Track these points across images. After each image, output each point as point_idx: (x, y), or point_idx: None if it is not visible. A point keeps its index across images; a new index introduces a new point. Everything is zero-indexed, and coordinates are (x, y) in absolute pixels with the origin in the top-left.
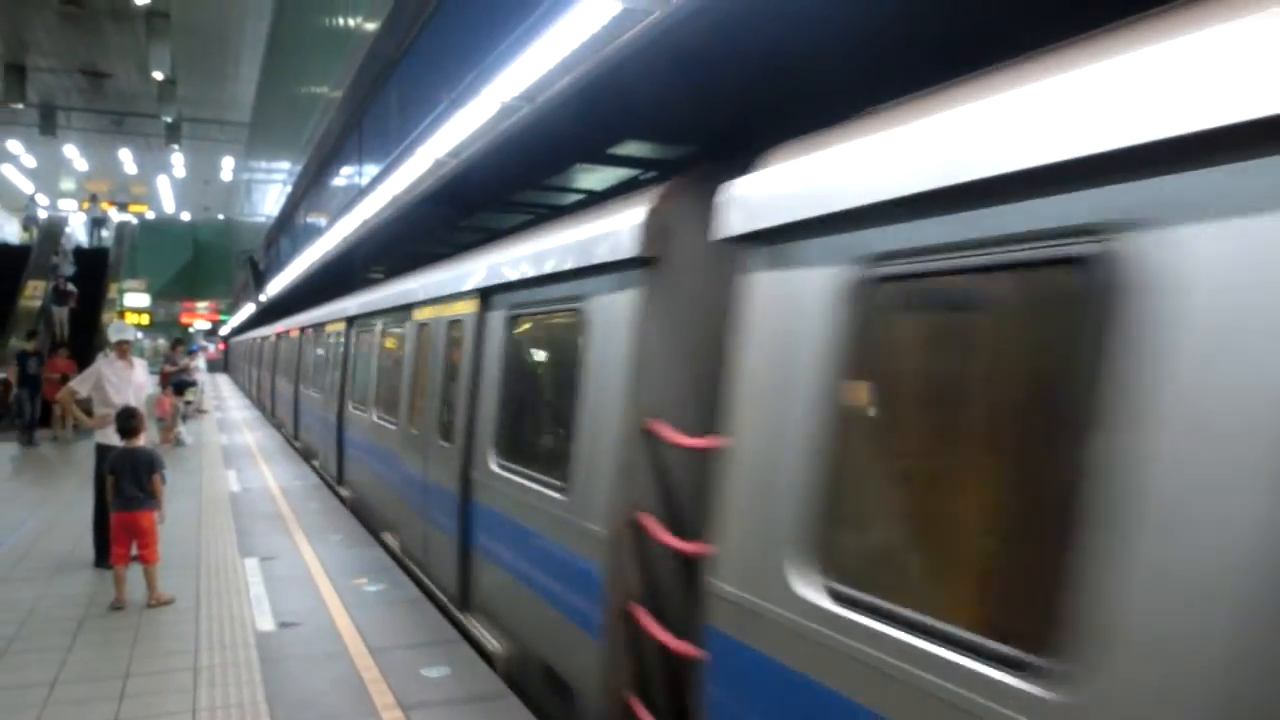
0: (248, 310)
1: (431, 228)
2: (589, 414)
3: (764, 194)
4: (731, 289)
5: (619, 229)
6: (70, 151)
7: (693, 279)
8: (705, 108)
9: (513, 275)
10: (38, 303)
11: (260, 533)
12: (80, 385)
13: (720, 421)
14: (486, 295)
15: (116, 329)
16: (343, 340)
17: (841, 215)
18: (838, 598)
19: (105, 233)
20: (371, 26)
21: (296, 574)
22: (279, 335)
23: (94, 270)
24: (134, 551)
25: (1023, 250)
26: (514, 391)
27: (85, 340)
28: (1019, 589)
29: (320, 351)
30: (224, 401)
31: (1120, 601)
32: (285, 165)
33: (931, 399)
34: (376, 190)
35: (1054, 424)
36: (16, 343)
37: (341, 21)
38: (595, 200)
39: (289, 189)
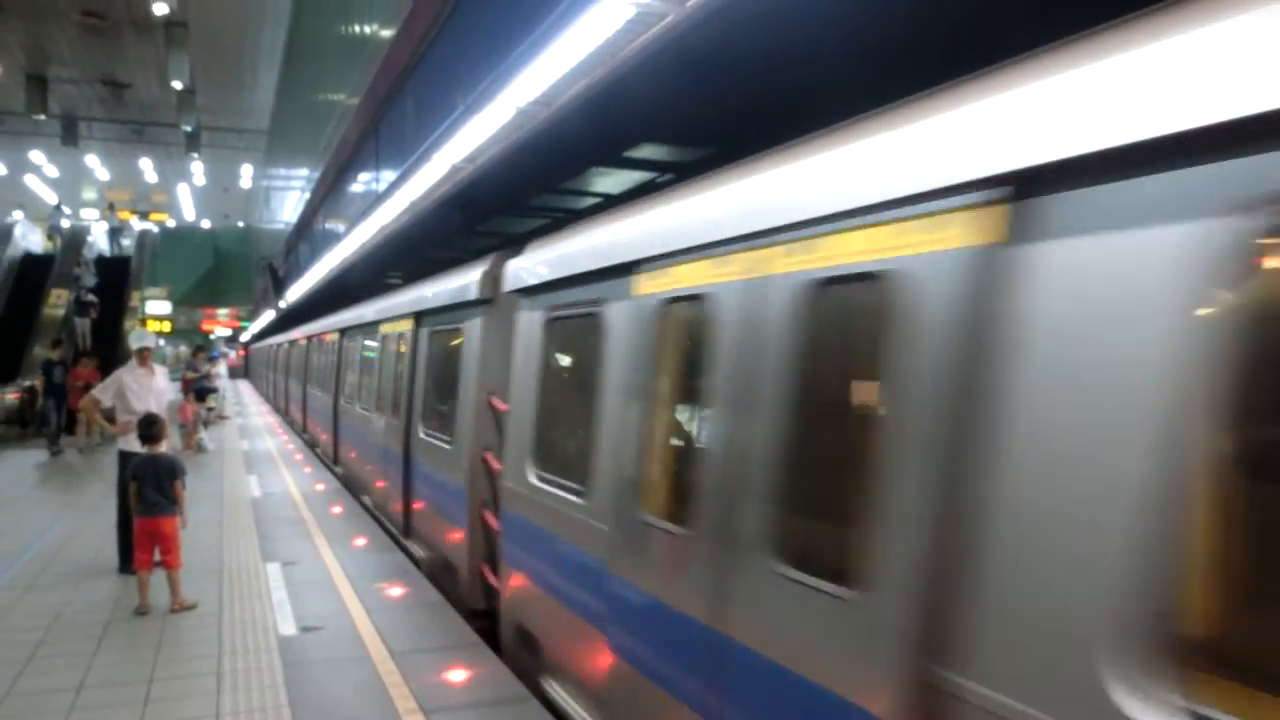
0: (268, 316)
1: (450, 232)
2: (462, 393)
3: (515, 269)
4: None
5: (472, 280)
6: (92, 161)
7: (508, 312)
8: (720, 110)
9: (435, 303)
10: (61, 311)
11: (282, 538)
12: (103, 393)
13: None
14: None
15: (137, 336)
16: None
17: (539, 285)
18: (540, 479)
19: (126, 240)
20: (387, 33)
21: (318, 579)
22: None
23: (115, 279)
24: (157, 557)
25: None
26: (437, 383)
27: (108, 348)
28: (582, 460)
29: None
30: (245, 407)
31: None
32: (303, 172)
33: (571, 379)
34: (395, 195)
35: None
36: (41, 351)
37: (358, 29)
38: (611, 204)
39: (307, 195)
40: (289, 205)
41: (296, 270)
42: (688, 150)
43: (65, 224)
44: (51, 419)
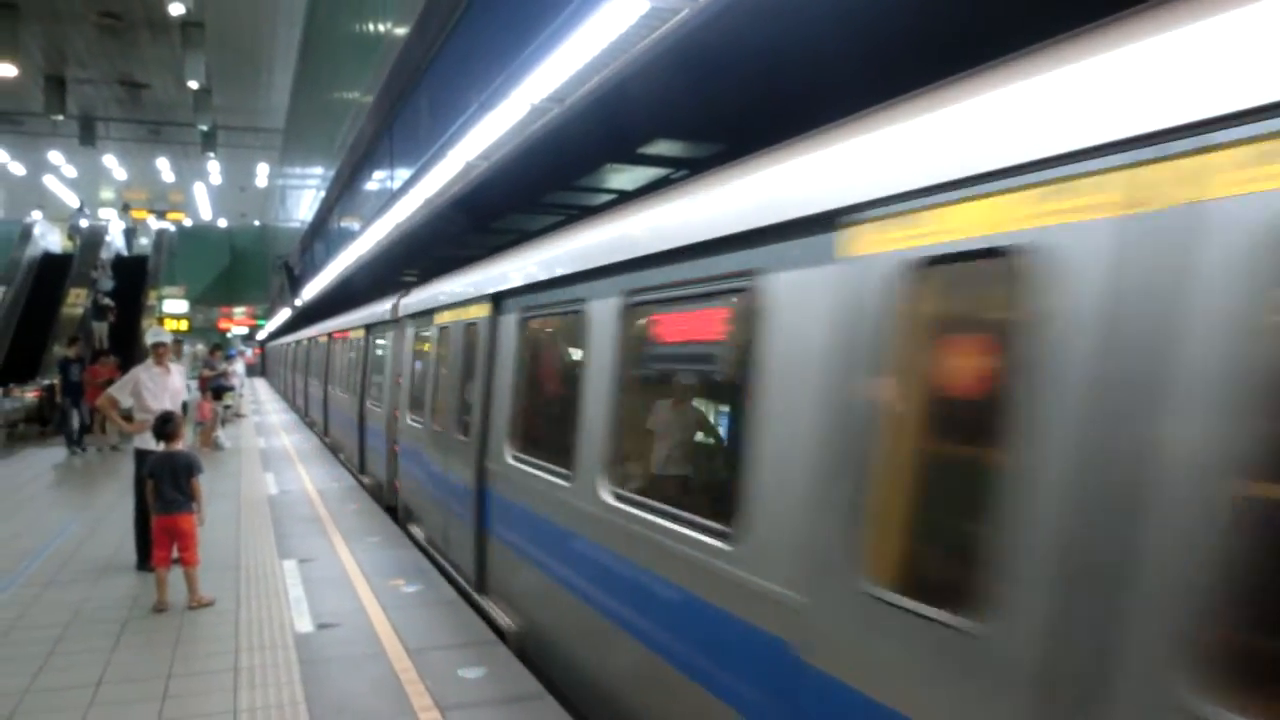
0: (284, 315)
1: (464, 230)
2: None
3: (401, 303)
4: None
5: (388, 306)
6: (109, 161)
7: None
8: (732, 105)
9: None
10: (80, 310)
11: (298, 535)
12: (119, 392)
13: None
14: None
15: (153, 333)
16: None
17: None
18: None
19: (144, 240)
20: (401, 32)
21: (334, 575)
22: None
23: (132, 279)
24: (175, 554)
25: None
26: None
27: (125, 348)
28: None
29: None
30: (261, 405)
31: None
32: (319, 170)
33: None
34: (410, 193)
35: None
36: (60, 350)
37: (372, 27)
38: (625, 199)
39: (322, 194)
40: (304, 204)
41: (312, 268)
42: (701, 146)
43: (84, 224)
44: (71, 418)
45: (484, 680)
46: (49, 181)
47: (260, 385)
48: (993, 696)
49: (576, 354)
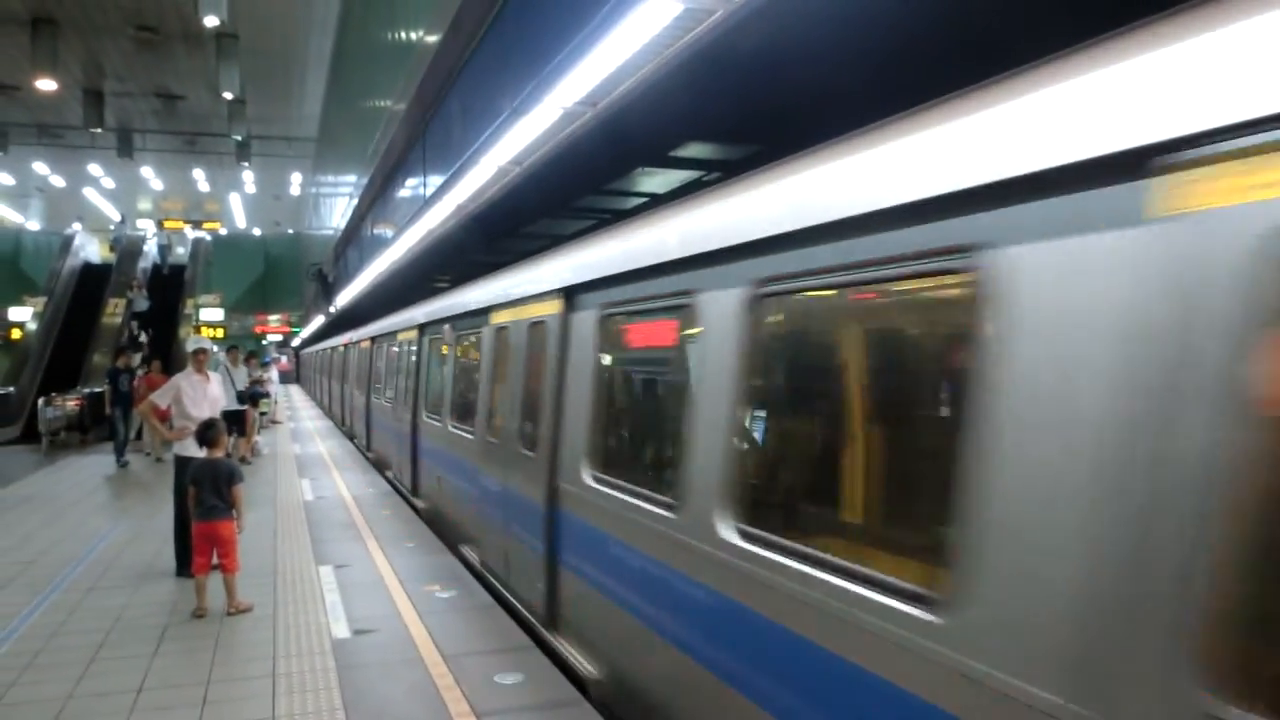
0: (318, 321)
1: (493, 236)
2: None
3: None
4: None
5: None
6: (147, 172)
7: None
8: (766, 107)
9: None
10: (119, 320)
11: (334, 540)
12: (160, 398)
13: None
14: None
15: (194, 341)
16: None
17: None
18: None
19: (181, 249)
20: (433, 39)
21: (370, 581)
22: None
23: (168, 291)
24: (215, 560)
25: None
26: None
27: (163, 357)
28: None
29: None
30: (296, 412)
31: None
32: (351, 178)
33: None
34: (442, 200)
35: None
36: (101, 359)
37: (404, 35)
38: (657, 202)
39: (355, 201)
40: (337, 211)
41: (346, 275)
42: (735, 148)
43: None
44: (120, 430)
45: (520, 686)
46: (88, 193)
47: (295, 391)
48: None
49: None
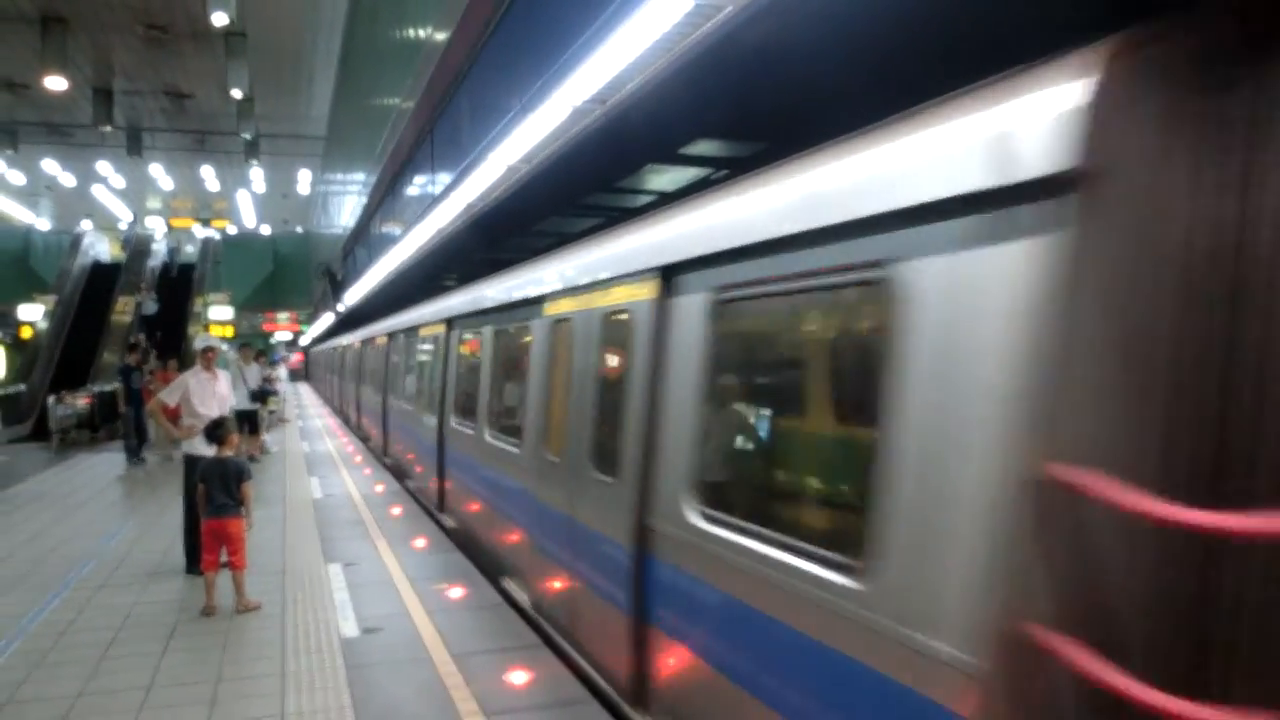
0: (326, 320)
1: (502, 234)
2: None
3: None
4: None
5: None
6: (156, 171)
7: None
8: (776, 104)
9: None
10: (128, 318)
11: (343, 539)
12: (169, 396)
13: None
14: None
15: (202, 339)
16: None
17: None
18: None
19: (190, 248)
20: (442, 36)
21: (379, 580)
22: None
23: (177, 289)
24: (223, 558)
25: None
26: None
27: (173, 354)
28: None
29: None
30: (305, 410)
31: None
32: (360, 177)
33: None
34: (450, 197)
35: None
36: (110, 357)
37: (412, 33)
38: (666, 200)
39: (364, 200)
40: (346, 210)
41: (355, 273)
42: (744, 145)
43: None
44: (132, 431)
45: (530, 684)
46: (97, 191)
47: (304, 389)
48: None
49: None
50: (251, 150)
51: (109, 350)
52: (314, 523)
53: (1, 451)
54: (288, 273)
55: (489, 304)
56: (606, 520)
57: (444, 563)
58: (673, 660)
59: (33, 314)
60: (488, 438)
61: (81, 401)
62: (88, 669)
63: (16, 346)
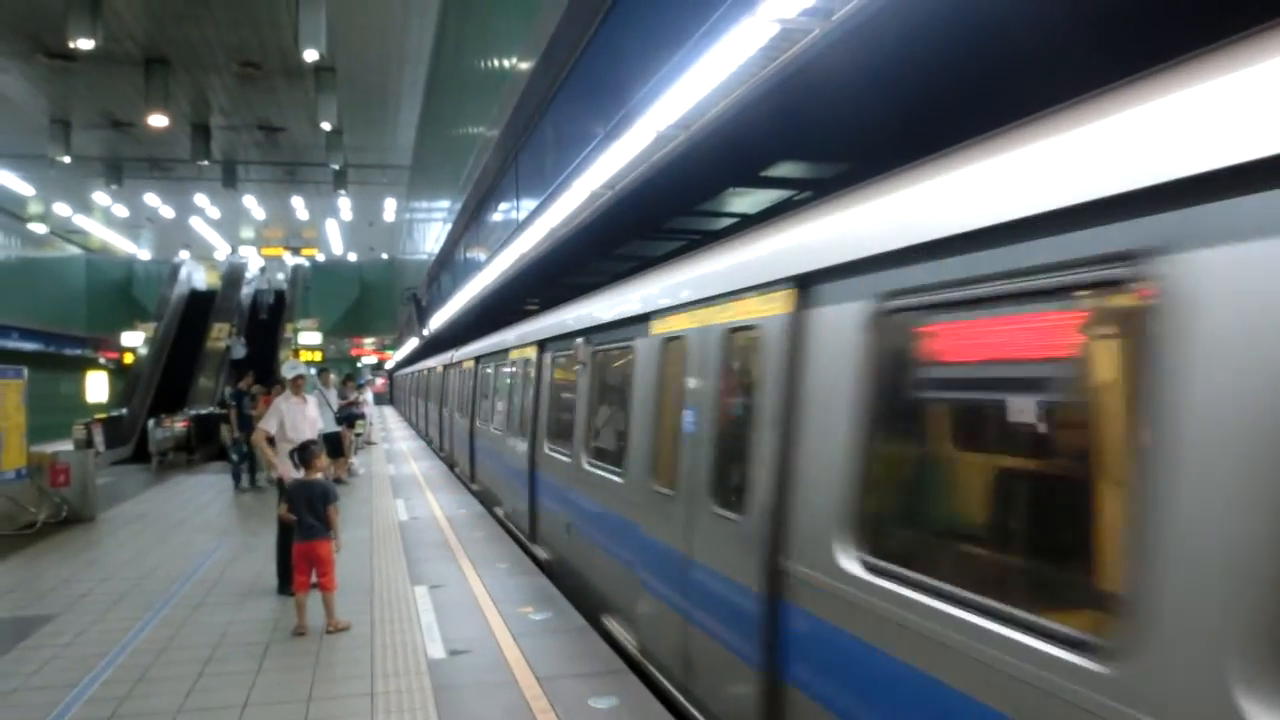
0: (411, 344)
1: (584, 259)
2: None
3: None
4: None
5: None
6: (249, 202)
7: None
8: (859, 125)
9: None
10: (223, 344)
11: (429, 560)
12: (267, 425)
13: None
14: None
15: (290, 367)
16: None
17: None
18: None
19: (280, 275)
20: (526, 66)
21: (464, 601)
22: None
23: (271, 314)
24: (314, 579)
25: None
26: None
27: (264, 379)
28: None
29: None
30: (390, 433)
31: None
32: (444, 204)
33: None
34: (535, 223)
35: None
36: (205, 382)
37: (496, 63)
38: (746, 224)
39: (448, 227)
40: (430, 237)
41: (439, 298)
42: (826, 166)
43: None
44: (245, 453)
45: (615, 710)
46: (195, 223)
47: (389, 413)
48: None
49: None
50: (339, 180)
51: (204, 375)
52: (400, 545)
53: (106, 473)
54: (373, 299)
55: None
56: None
57: (528, 585)
58: None
59: (134, 340)
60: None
61: (179, 425)
62: (186, 685)
63: (120, 372)
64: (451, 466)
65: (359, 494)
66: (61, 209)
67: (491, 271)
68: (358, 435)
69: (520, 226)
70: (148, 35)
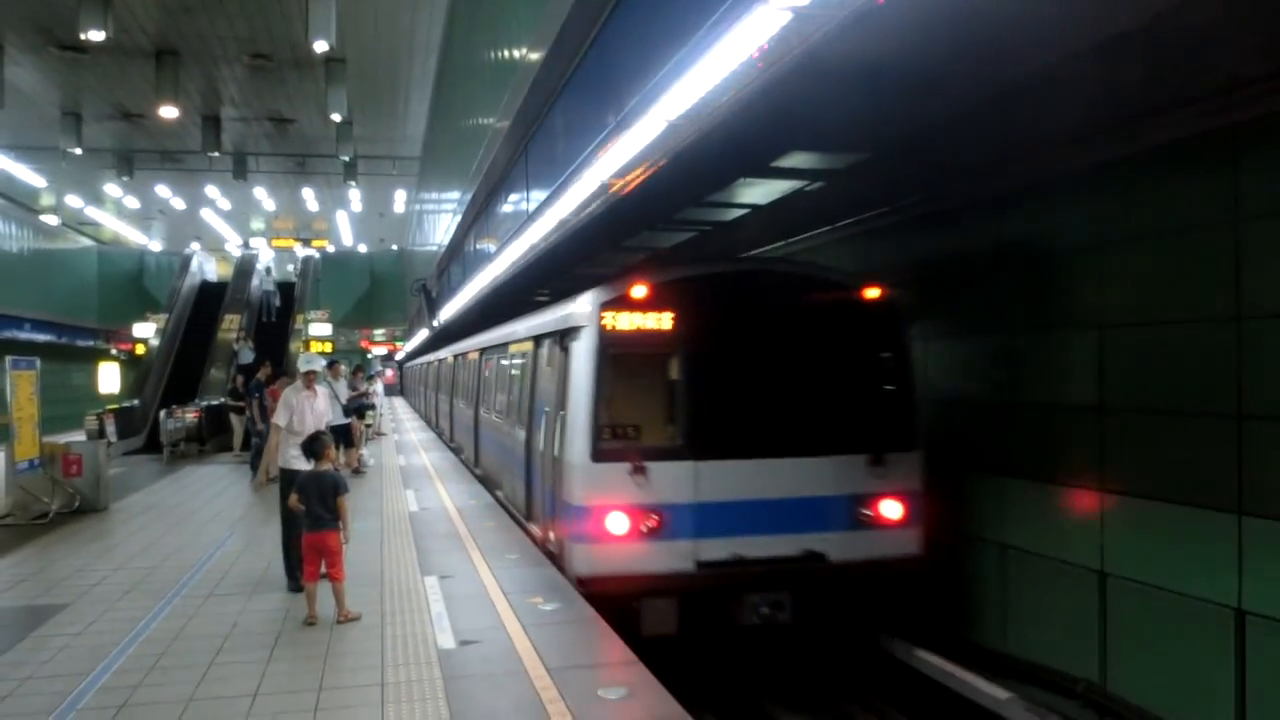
0: (421, 335)
1: (592, 250)
2: None
3: None
4: None
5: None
6: (259, 193)
7: None
8: (874, 115)
9: None
10: (233, 335)
11: (438, 551)
12: (280, 419)
13: None
14: None
15: (305, 360)
16: None
17: None
18: None
19: (290, 266)
20: (536, 56)
21: (474, 592)
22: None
23: (281, 307)
24: (323, 570)
25: None
26: None
27: (282, 371)
28: None
29: None
30: (400, 424)
31: None
32: (454, 195)
33: None
34: (545, 214)
35: None
36: (216, 373)
37: (506, 54)
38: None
39: (458, 218)
40: (440, 228)
41: (449, 290)
42: (839, 157)
43: (234, 251)
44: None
45: (625, 701)
46: (205, 214)
47: (399, 404)
48: None
49: None
50: (350, 172)
51: (215, 366)
52: (410, 535)
53: (118, 463)
54: (384, 290)
55: (493, 342)
56: (514, 440)
57: (538, 576)
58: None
59: (145, 331)
60: (483, 414)
61: (190, 415)
62: (198, 674)
63: (131, 363)
64: (458, 454)
65: (369, 485)
66: (74, 201)
67: (501, 263)
68: (368, 426)
69: (530, 217)
70: (158, 27)
